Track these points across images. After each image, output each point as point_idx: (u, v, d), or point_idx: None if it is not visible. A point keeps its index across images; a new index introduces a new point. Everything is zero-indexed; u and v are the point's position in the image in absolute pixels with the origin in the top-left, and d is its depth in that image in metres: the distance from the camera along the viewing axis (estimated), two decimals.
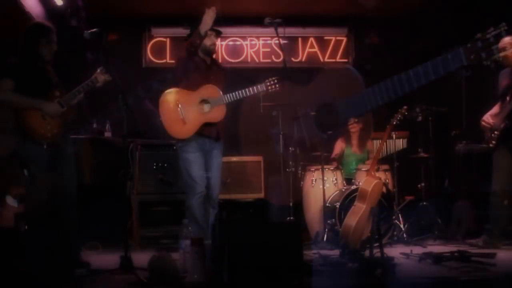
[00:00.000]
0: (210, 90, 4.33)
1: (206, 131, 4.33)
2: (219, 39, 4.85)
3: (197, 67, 4.41)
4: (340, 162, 5.92)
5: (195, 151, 4.32)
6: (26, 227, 4.16)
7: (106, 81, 3.85)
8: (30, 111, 3.76)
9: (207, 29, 4.23)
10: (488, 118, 4.77)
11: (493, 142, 4.70)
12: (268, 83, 4.40)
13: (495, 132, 4.70)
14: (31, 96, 3.76)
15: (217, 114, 4.33)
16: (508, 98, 4.64)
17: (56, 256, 3.56)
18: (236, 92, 4.33)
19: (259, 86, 4.37)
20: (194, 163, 4.30)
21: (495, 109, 4.78)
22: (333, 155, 6.03)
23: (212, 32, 4.42)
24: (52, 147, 3.81)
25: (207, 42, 4.41)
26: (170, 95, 4.34)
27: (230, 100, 4.33)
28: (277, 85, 4.41)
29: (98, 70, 3.86)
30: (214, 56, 4.64)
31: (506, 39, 4.65)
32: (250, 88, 4.36)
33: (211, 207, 4.42)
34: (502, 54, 4.64)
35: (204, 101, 4.32)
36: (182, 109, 4.27)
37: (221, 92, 4.34)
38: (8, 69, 3.81)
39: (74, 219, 3.89)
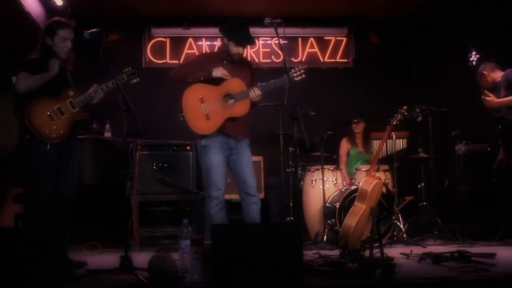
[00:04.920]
0: (235, 84, 4.15)
1: (226, 129, 4.14)
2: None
3: (221, 62, 4.23)
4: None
5: (217, 152, 4.13)
6: (25, 227, 4.16)
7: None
8: (35, 109, 3.71)
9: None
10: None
11: None
12: (294, 73, 4.13)
13: None
14: (44, 94, 3.74)
15: (241, 108, 4.14)
16: None
17: (54, 256, 3.57)
18: (260, 85, 4.14)
19: (284, 78, 4.08)
20: (215, 167, 4.12)
21: None
22: (341, 159, 5.93)
23: (238, 43, 4.21)
24: (58, 147, 3.77)
25: (232, 50, 4.22)
26: (194, 90, 4.13)
27: None
28: (303, 74, 4.15)
29: (124, 71, 3.93)
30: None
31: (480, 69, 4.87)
32: (276, 80, 4.12)
33: (253, 203, 4.18)
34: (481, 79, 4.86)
35: (228, 96, 4.13)
36: (205, 105, 4.09)
37: (245, 87, 4.16)
38: (26, 64, 3.80)
39: (67, 220, 3.89)
